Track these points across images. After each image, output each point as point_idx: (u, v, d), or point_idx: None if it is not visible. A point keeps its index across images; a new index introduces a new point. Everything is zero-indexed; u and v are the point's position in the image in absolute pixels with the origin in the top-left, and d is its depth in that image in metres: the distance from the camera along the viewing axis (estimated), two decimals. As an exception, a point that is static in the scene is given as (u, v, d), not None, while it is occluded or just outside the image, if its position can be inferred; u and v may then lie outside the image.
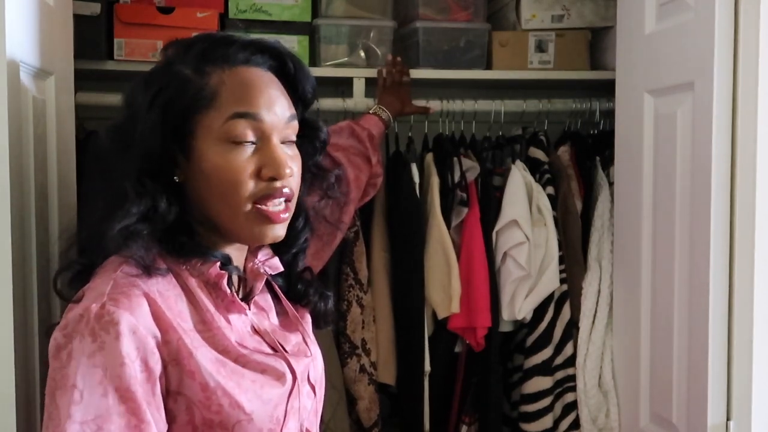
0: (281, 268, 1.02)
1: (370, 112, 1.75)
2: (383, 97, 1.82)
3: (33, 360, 1.16)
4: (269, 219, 0.90)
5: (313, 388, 0.99)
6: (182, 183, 0.91)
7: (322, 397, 1.04)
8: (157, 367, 0.82)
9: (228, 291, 0.91)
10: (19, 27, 1.10)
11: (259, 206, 0.89)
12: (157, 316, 0.84)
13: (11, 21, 1.05)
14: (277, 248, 1.03)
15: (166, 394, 0.84)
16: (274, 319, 1.01)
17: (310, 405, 0.98)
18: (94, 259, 0.89)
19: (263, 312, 1.00)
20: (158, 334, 0.83)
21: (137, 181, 0.87)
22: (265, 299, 1.02)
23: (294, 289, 1.07)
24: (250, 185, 0.89)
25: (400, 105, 1.83)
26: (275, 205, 0.90)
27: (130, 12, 1.79)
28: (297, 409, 0.93)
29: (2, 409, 1.05)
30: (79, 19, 1.59)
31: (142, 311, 0.82)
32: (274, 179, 0.89)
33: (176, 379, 0.84)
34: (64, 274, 0.91)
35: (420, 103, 1.90)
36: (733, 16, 1.33)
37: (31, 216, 1.17)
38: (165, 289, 0.87)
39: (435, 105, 1.91)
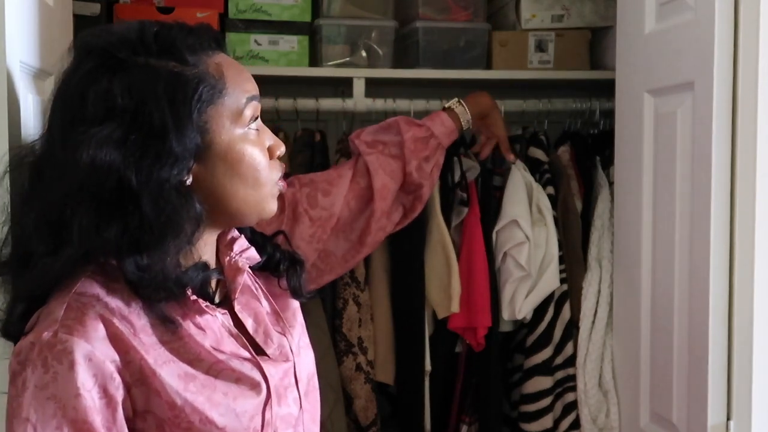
0: (258, 258, 0.99)
1: (447, 105, 1.61)
2: (480, 94, 1.65)
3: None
4: (278, 196, 0.94)
5: (299, 393, 0.96)
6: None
7: (316, 401, 1.01)
8: (117, 392, 0.79)
9: (192, 297, 0.86)
10: (18, 27, 1.10)
11: (278, 184, 0.93)
12: (116, 338, 0.79)
13: (11, 21, 1.05)
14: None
15: (134, 415, 0.81)
16: (264, 314, 0.97)
17: (296, 412, 0.95)
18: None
19: (250, 309, 0.95)
20: (117, 358, 0.79)
21: (177, 193, 0.82)
22: (253, 292, 0.98)
23: (267, 256, 1.04)
24: (268, 165, 0.92)
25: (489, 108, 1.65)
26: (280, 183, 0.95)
27: (129, 12, 1.79)
28: (273, 419, 0.90)
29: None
30: (79, 19, 1.58)
31: (98, 335, 0.78)
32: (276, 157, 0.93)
33: (143, 399, 0.81)
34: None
35: (420, 102, 1.88)
36: (733, 16, 1.33)
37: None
38: (125, 304, 0.82)
39: (434, 105, 1.91)
